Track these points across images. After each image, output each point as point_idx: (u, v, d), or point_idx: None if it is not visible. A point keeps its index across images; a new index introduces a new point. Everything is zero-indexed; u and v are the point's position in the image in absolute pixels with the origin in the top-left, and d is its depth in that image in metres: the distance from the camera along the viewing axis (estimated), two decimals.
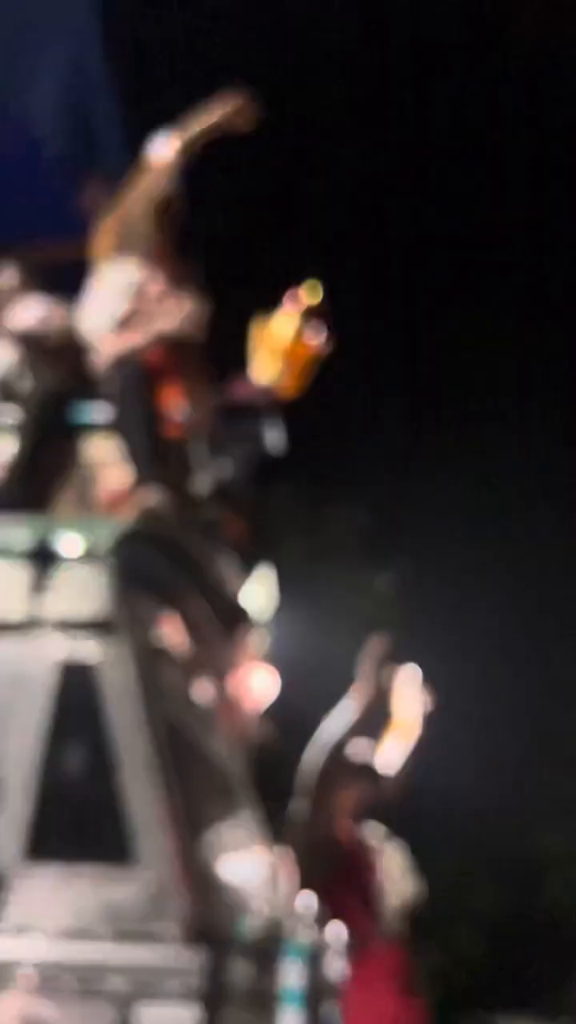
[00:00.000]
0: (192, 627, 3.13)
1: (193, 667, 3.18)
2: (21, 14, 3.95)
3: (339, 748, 3.53)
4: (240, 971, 2.11)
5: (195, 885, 2.21)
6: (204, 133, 3.61)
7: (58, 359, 3.58)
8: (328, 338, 4.12)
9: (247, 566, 3.85)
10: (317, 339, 4.07)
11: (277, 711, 3.87)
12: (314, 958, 2.17)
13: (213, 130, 3.64)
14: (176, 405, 3.49)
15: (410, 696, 3.78)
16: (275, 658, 3.87)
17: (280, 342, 3.99)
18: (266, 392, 3.95)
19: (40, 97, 3.97)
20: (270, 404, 3.96)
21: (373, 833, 3.67)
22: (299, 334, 3.98)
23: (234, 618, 3.46)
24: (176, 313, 3.46)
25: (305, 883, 3.10)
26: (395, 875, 3.37)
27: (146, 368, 3.32)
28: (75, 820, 2.34)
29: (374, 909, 3.18)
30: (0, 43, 3.92)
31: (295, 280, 4.18)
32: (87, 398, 3.42)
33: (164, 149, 3.64)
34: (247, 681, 3.67)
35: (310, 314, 4.04)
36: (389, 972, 3.25)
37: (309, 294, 4.10)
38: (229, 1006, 2.06)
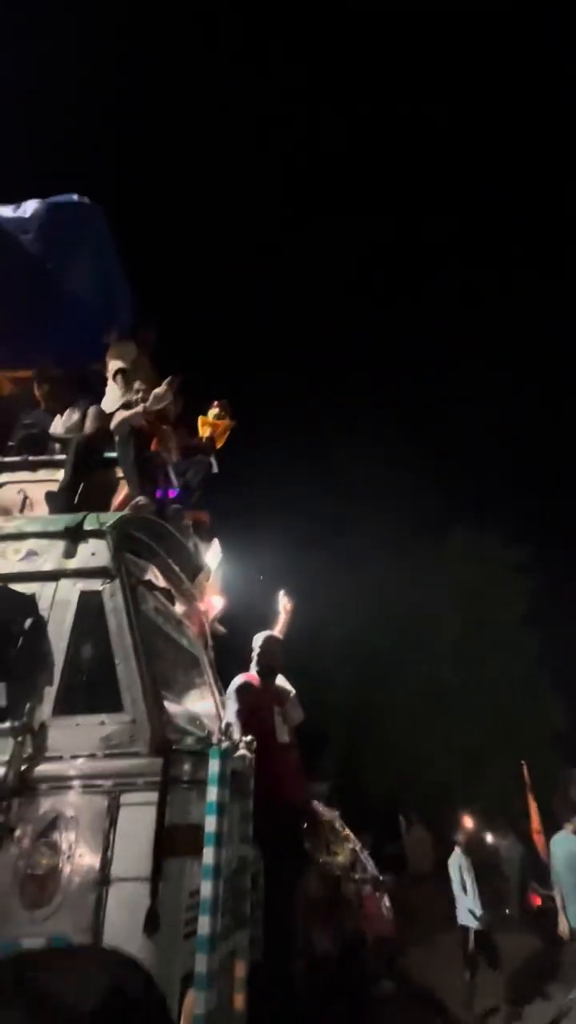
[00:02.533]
0: (166, 573, 2.99)
1: (170, 595, 3.01)
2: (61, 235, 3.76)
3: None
4: (184, 768, 1.95)
5: (158, 720, 2.01)
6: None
7: (91, 425, 3.46)
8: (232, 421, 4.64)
9: (204, 539, 3.78)
10: (227, 421, 4.60)
11: (224, 617, 3.78)
12: (227, 756, 1.99)
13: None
14: (156, 447, 3.38)
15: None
16: (222, 587, 3.78)
17: (211, 421, 4.50)
18: (206, 443, 4.01)
19: (78, 281, 3.80)
20: (207, 449, 4.07)
21: (280, 682, 3.48)
22: (219, 417, 4.53)
23: (195, 568, 3.33)
24: (152, 399, 3.39)
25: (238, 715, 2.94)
26: (290, 708, 3.19)
27: (136, 429, 3.22)
28: (87, 688, 2.13)
29: (275, 727, 3.00)
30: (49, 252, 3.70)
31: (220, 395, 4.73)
32: (107, 446, 3.29)
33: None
34: (207, 601, 3.56)
35: (224, 410, 4.60)
36: (287, 758, 3.05)
37: (223, 404, 4.65)
38: (178, 790, 1.89)
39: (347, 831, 5.21)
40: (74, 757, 1.94)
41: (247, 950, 2.12)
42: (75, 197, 3.88)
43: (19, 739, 1.91)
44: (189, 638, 3.14)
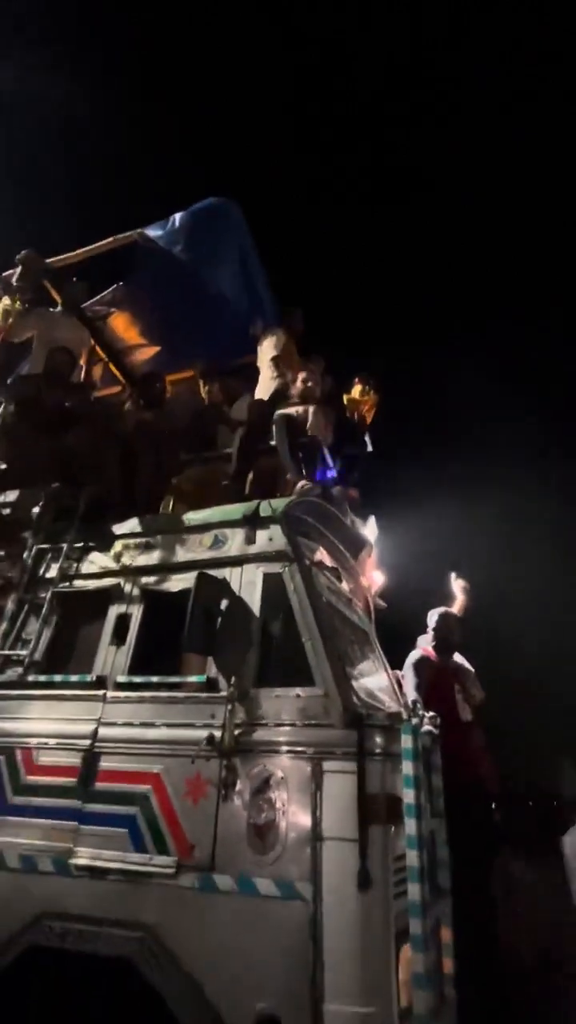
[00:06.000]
0: (333, 552, 3.07)
1: (337, 573, 3.11)
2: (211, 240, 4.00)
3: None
4: (377, 741, 2.01)
5: (348, 695, 2.12)
6: None
7: (248, 416, 3.67)
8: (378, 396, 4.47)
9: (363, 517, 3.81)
10: (372, 396, 4.42)
11: (386, 592, 3.79)
12: (418, 733, 2.02)
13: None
14: (310, 431, 3.46)
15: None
16: (381, 564, 3.78)
17: (357, 398, 4.36)
18: (356, 421, 4.07)
19: (226, 280, 4.04)
20: (358, 428, 4.08)
21: (458, 660, 3.42)
22: (364, 394, 4.36)
23: (357, 546, 3.37)
24: (306, 391, 3.46)
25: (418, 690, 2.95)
26: (470, 687, 3.11)
27: (289, 417, 3.32)
28: (280, 662, 2.31)
29: (457, 706, 2.96)
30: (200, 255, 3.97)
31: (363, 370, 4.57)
32: (268, 434, 3.46)
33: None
34: (369, 576, 3.60)
35: (367, 385, 4.42)
36: (470, 737, 3.02)
37: (365, 378, 4.46)
38: (372, 761, 1.97)
39: None
40: (278, 725, 2.13)
41: (450, 917, 2.17)
42: (213, 200, 4.06)
43: (229, 707, 2.15)
44: (359, 614, 3.23)
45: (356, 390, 4.38)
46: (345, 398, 4.41)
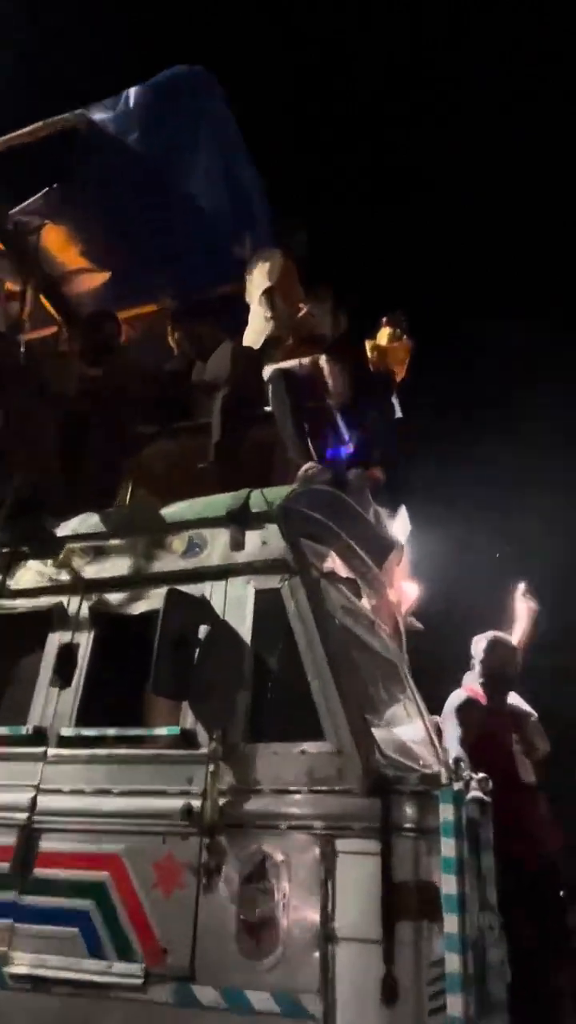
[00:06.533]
0: (350, 558, 3.13)
1: (356, 587, 3.16)
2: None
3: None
4: (407, 813, 2.09)
5: (369, 751, 2.19)
6: None
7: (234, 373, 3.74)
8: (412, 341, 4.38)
9: (391, 508, 3.86)
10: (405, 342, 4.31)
11: (421, 610, 3.84)
12: (461, 801, 2.10)
13: None
14: (321, 393, 3.52)
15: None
16: (415, 571, 3.83)
17: (383, 346, 4.25)
18: (381, 376, 4.04)
19: (199, 182, 4.06)
20: (384, 385, 4.03)
21: (515, 702, 3.54)
22: (394, 339, 4.25)
23: (383, 548, 3.43)
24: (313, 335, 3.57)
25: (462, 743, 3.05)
26: (532, 736, 3.21)
27: (293, 375, 3.38)
28: (278, 709, 2.39)
29: (515, 762, 3.05)
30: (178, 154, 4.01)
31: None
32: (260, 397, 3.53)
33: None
34: (398, 589, 3.66)
35: (398, 327, 4.32)
36: (532, 804, 3.11)
37: (396, 319, 4.33)
38: (402, 839, 2.05)
39: None
40: (276, 791, 2.20)
41: None
42: (182, 68, 4.04)
43: (212, 768, 2.22)
44: (383, 641, 3.31)
45: (383, 334, 4.34)
46: (367, 345, 4.37)
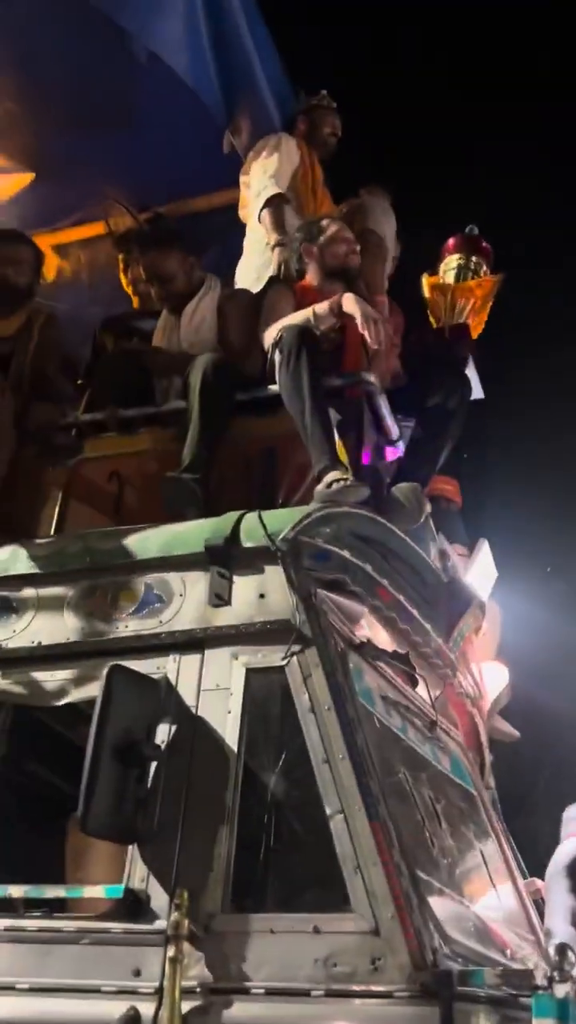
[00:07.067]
0: (397, 622, 3.02)
1: (408, 668, 3.12)
2: None
3: None
4: None
5: (421, 932, 2.08)
6: None
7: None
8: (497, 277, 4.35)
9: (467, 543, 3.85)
10: (486, 278, 4.28)
11: (514, 708, 3.77)
12: (568, 1011, 1.91)
13: None
14: (357, 362, 3.46)
15: None
16: (505, 644, 3.79)
17: (454, 284, 4.20)
18: (449, 334, 3.97)
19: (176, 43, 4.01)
20: (456, 347, 3.95)
21: None
22: (467, 274, 4.23)
23: (453, 608, 3.37)
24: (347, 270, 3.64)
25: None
26: None
27: (313, 341, 3.30)
28: (279, 864, 2.33)
29: None
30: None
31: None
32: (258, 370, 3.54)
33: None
34: (478, 676, 3.62)
35: (481, 256, 4.29)
36: None
37: (474, 241, 4.32)
38: None
39: None
40: (271, 993, 2.08)
41: None
42: None
43: (171, 952, 2.07)
44: (451, 753, 3.24)
45: (449, 264, 4.23)
46: (426, 284, 4.25)
